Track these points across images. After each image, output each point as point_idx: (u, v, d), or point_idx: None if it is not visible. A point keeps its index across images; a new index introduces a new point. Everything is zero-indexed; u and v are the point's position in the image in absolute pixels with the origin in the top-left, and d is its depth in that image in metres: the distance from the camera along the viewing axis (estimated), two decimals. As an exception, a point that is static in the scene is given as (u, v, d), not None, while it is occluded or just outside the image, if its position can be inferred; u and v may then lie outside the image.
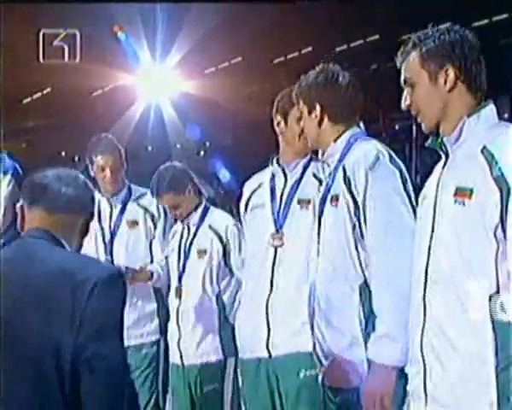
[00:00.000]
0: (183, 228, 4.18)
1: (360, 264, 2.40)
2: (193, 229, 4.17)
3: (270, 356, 2.82)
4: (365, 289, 2.42)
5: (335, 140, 2.63)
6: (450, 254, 1.94)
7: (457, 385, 1.94)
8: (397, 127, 24.58)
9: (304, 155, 3.00)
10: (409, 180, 2.55)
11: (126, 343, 2.06)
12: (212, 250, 4.08)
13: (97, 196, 4.24)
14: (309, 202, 2.86)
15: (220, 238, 3.89)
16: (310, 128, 2.71)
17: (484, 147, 1.95)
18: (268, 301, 2.87)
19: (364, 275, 2.43)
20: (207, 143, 19.51)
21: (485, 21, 22.32)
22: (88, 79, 18.20)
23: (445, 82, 2.01)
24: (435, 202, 2.01)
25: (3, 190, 4.31)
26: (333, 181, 2.59)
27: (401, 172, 2.52)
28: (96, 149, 4.26)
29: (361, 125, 2.69)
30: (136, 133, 17.35)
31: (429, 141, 2.14)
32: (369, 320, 2.42)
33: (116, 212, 4.35)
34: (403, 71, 2.07)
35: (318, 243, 2.35)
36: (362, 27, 19.67)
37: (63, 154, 27.15)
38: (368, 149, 2.56)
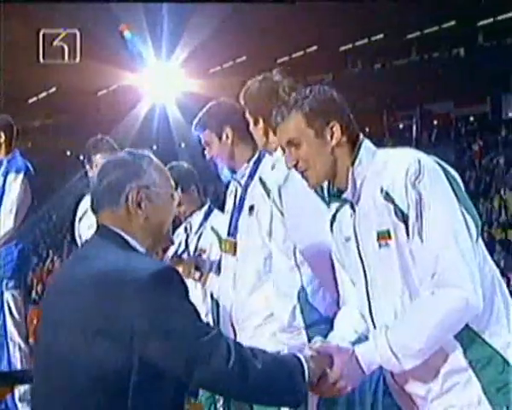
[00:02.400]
0: (186, 227, 4.20)
1: None
2: (195, 228, 4.19)
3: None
4: None
5: (276, 149, 2.69)
6: (390, 291, 2.00)
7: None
8: (401, 126, 24.64)
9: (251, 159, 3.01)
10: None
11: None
12: (211, 252, 4.09)
13: None
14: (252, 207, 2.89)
15: (221, 241, 3.89)
16: (257, 137, 2.78)
17: (381, 189, 2.00)
18: (232, 305, 2.90)
19: None
20: (212, 143, 19.50)
21: (490, 20, 22.34)
22: (93, 79, 18.27)
23: (332, 137, 2.04)
24: (359, 249, 2.05)
25: (16, 190, 4.33)
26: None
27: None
28: (94, 149, 4.27)
29: None
30: (141, 132, 17.40)
31: (328, 200, 2.14)
32: None
33: None
34: (283, 133, 2.07)
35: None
36: (366, 27, 19.70)
37: (68, 153, 27.26)
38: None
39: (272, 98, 2.62)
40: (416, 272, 1.96)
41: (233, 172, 2.90)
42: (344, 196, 2.08)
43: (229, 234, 2.82)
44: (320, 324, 2.44)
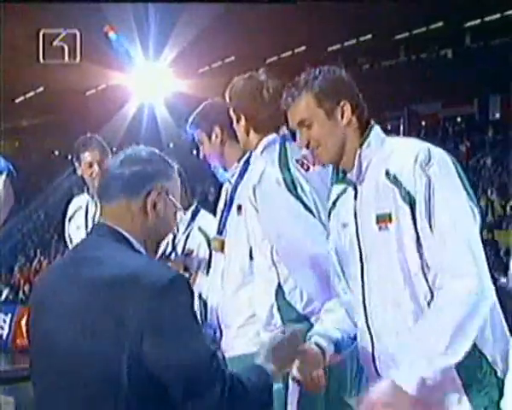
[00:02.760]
0: None
1: None
2: (182, 228, 4.19)
3: (223, 358, 2.86)
4: None
5: (255, 148, 2.73)
6: (385, 280, 1.99)
7: None
8: (389, 127, 24.71)
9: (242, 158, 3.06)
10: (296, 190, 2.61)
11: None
12: (199, 252, 4.10)
13: (85, 196, 4.26)
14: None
15: (208, 241, 3.90)
16: (239, 135, 2.82)
17: (387, 171, 1.99)
18: (219, 304, 2.92)
19: None
20: (201, 143, 19.50)
21: (478, 21, 22.44)
22: (81, 79, 18.20)
23: (342, 117, 2.07)
24: (357, 233, 2.05)
25: None
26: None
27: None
28: (82, 147, 4.26)
29: (281, 131, 2.75)
30: (129, 132, 17.35)
31: (334, 180, 2.15)
32: None
33: (99, 212, 4.32)
34: (294, 115, 2.09)
35: None
36: (355, 27, 19.73)
37: (56, 153, 27.15)
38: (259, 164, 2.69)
39: (255, 97, 2.68)
40: (416, 261, 1.95)
41: (225, 170, 2.94)
42: (348, 176, 2.08)
43: (218, 232, 2.83)
44: (297, 322, 2.44)
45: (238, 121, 2.75)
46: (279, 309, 2.54)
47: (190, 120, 3.07)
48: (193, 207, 3.95)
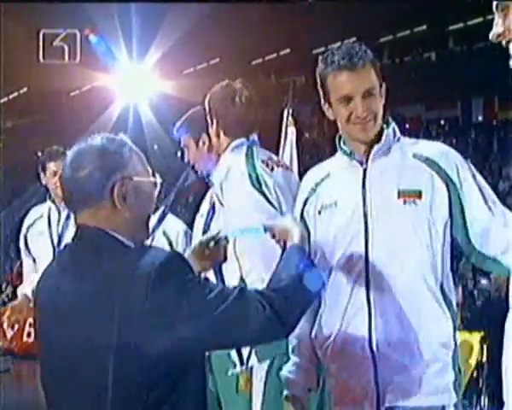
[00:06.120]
0: None
1: None
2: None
3: None
4: None
5: (224, 151, 2.81)
6: (397, 255, 2.00)
7: None
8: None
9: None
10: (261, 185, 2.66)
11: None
12: None
13: (48, 204, 4.29)
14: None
15: (171, 245, 3.91)
16: (212, 139, 2.91)
17: (414, 154, 2.07)
18: None
19: None
20: (185, 144, 19.48)
21: (461, 25, 22.58)
22: (65, 79, 18.12)
23: (381, 95, 2.15)
24: (364, 207, 2.04)
25: None
26: None
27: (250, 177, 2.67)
28: (49, 157, 4.32)
29: (251, 137, 2.83)
30: (113, 133, 17.26)
31: (347, 150, 2.15)
32: None
33: (62, 218, 4.35)
34: (361, 82, 2.09)
35: None
36: (339, 30, 19.80)
37: (40, 154, 26.97)
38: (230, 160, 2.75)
39: (227, 101, 2.83)
40: (439, 240, 2.00)
41: (208, 175, 3.01)
42: (374, 149, 2.09)
43: (203, 233, 2.88)
44: None
45: (212, 124, 2.86)
46: None
47: (179, 123, 3.16)
48: (160, 211, 3.92)
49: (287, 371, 2.26)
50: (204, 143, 3.05)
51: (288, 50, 21.41)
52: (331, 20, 17.24)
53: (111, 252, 1.72)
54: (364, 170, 2.08)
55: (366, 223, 2.04)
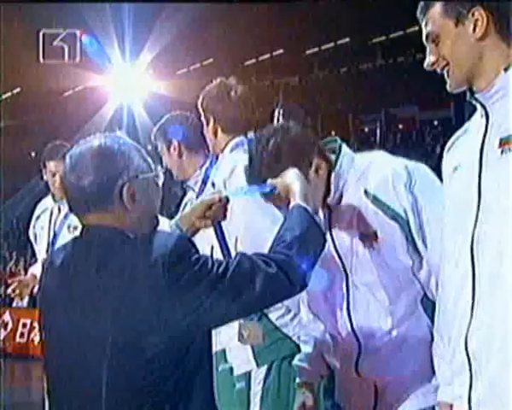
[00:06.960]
0: None
1: None
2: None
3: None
4: None
5: (223, 150, 2.80)
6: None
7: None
8: (366, 130, 24.82)
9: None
10: None
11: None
12: None
13: (49, 201, 4.30)
14: None
15: None
16: (208, 137, 2.88)
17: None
18: None
19: None
20: (179, 144, 19.45)
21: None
22: (59, 80, 18.09)
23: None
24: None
25: None
26: None
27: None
28: (49, 155, 4.32)
29: (248, 135, 2.83)
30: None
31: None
32: None
33: (61, 216, 4.37)
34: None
35: None
36: (332, 31, 19.82)
37: (33, 155, 26.93)
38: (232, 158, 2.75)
39: (223, 98, 2.81)
40: None
41: (182, 183, 3.10)
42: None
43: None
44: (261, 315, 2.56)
45: (208, 124, 2.86)
46: None
47: (154, 131, 3.24)
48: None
49: (298, 359, 2.32)
50: (175, 150, 3.10)
51: (281, 51, 21.43)
52: (324, 21, 17.26)
53: (122, 248, 1.71)
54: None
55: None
